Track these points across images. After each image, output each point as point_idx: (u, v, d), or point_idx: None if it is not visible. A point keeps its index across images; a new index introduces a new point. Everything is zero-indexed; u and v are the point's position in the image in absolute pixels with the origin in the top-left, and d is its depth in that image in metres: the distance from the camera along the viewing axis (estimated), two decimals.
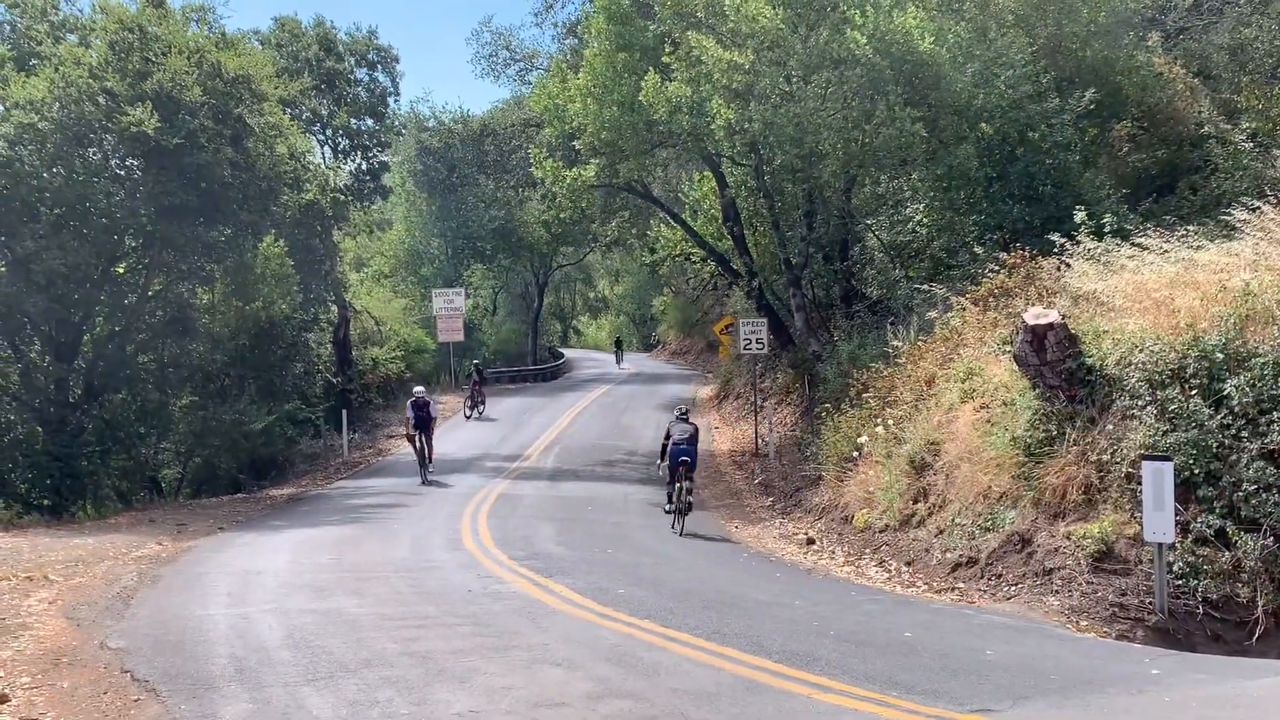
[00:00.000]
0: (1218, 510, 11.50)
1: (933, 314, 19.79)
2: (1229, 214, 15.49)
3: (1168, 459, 11.29)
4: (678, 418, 19.80)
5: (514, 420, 37.24)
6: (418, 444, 25.54)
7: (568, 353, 72.66)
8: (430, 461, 25.65)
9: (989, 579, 13.18)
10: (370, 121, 41.86)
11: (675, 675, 8.70)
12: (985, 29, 23.41)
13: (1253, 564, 11.02)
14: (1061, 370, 13.49)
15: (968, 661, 9.14)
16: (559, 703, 7.94)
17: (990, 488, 14.28)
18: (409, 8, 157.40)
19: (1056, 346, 13.44)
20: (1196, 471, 11.70)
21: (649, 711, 7.70)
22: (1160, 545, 11.07)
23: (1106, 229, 16.58)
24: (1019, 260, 17.89)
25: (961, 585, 13.41)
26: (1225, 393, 11.90)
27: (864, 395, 19.85)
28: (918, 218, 26.39)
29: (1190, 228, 16.02)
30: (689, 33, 24.07)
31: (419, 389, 27.20)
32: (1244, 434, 11.61)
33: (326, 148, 41.10)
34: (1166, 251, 14.72)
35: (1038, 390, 13.94)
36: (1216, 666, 9.40)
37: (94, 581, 13.89)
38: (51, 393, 26.55)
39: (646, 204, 36.17)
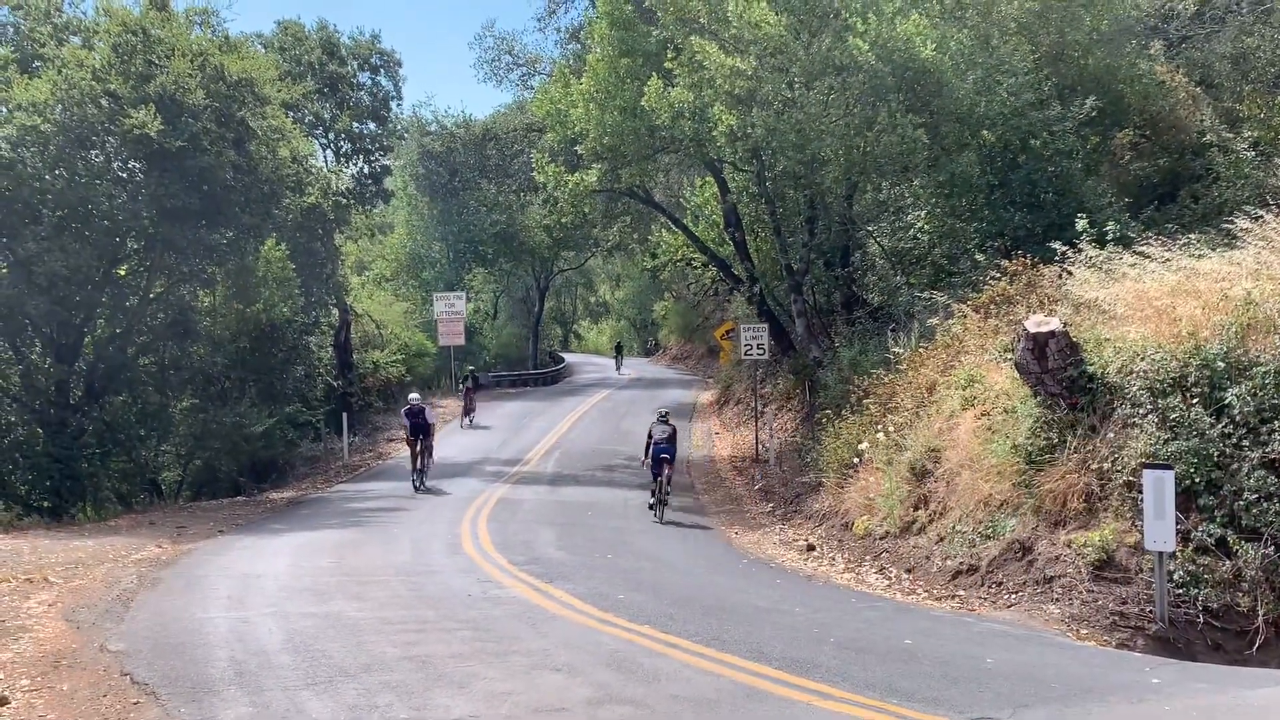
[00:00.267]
0: (1219, 519, 11.49)
1: (934, 321, 19.79)
2: (1231, 222, 15.50)
3: (1169, 467, 11.28)
4: (659, 420, 22.07)
5: (514, 425, 37.24)
6: (416, 449, 24.88)
7: (568, 357, 72.74)
8: (426, 468, 24.99)
9: (989, 586, 13.18)
10: (372, 125, 41.83)
11: (675, 682, 8.69)
12: (988, 36, 23.42)
13: (1253, 573, 11.01)
14: (1063, 378, 13.48)
15: (968, 669, 9.13)
16: (558, 708, 7.94)
17: (991, 495, 14.27)
18: (412, 12, 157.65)
19: (1058, 354, 13.43)
20: (1197, 480, 11.70)
21: (649, 718, 7.70)
22: (1161, 554, 11.06)
23: (1108, 237, 16.59)
24: (1020, 268, 17.89)
25: (962, 593, 13.41)
26: (1226, 402, 11.89)
27: (865, 402, 19.85)
28: (919, 224, 26.39)
29: (1192, 236, 16.01)
30: (692, 38, 24.07)
31: (413, 396, 26.46)
32: (1245, 443, 11.61)
33: (329, 151, 41.10)
34: (1168, 260, 14.72)
35: (1039, 398, 13.94)
36: (1217, 675, 9.40)
37: (94, 584, 13.89)
38: (52, 394, 26.55)
39: (648, 209, 36.19)
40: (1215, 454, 11.73)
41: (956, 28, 23.28)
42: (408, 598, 12.70)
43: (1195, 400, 12.11)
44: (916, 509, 16.12)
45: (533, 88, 44.42)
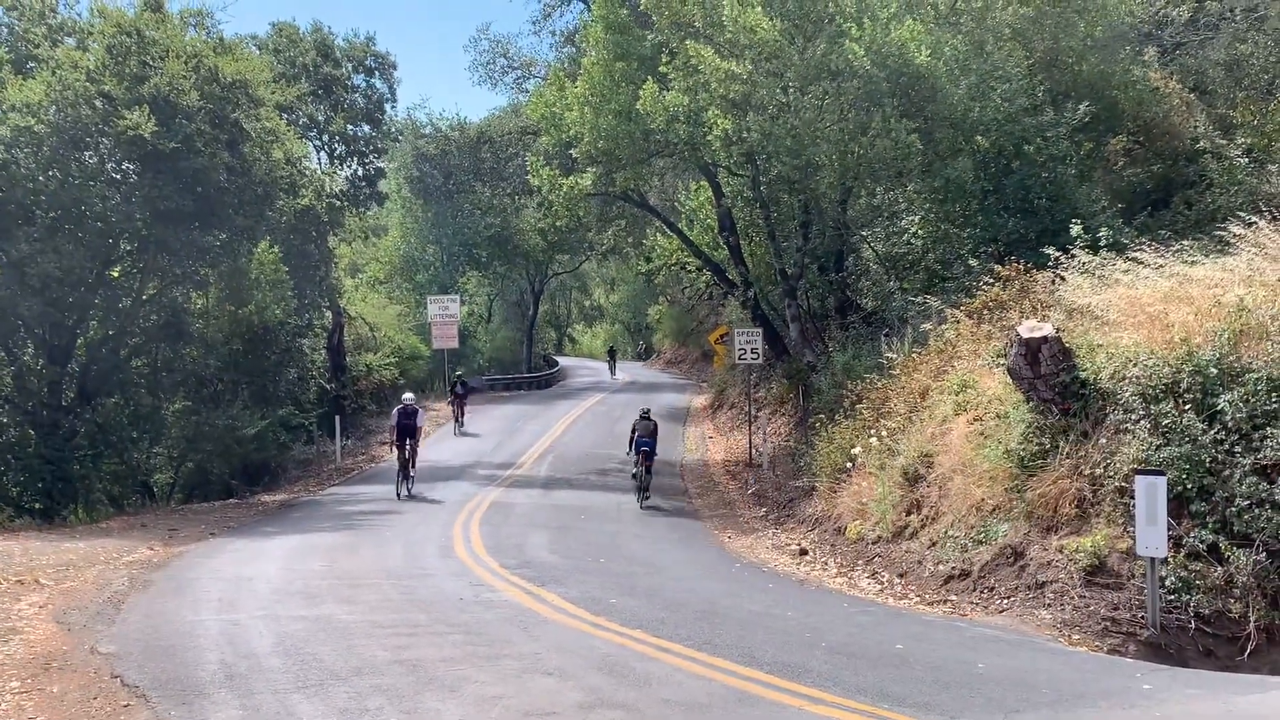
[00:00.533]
0: (1210, 525, 11.50)
1: (927, 326, 19.81)
2: (1224, 229, 15.52)
3: (1161, 473, 11.29)
4: (641, 418, 24.32)
5: (508, 428, 37.21)
6: (403, 453, 23.99)
7: (562, 360, 72.70)
8: (413, 474, 24.15)
9: (981, 592, 13.18)
10: (367, 127, 41.87)
11: (667, 686, 8.68)
12: (982, 42, 23.48)
13: (1245, 579, 11.02)
14: (1055, 384, 13.50)
15: (959, 674, 9.13)
16: (549, 712, 7.92)
17: (983, 500, 14.28)
18: (407, 14, 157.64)
19: (1050, 360, 13.44)
20: (1189, 486, 11.70)
21: None
22: (1153, 560, 11.06)
23: (1101, 243, 16.62)
24: (1014, 273, 17.90)
25: (954, 598, 13.41)
26: (1219, 408, 11.90)
27: (858, 406, 19.86)
28: (913, 230, 26.44)
29: (1185, 242, 16.03)
30: (687, 42, 24.09)
31: (408, 396, 25.97)
32: (1237, 449, 11.62)
33: (323, 153, 41.15)
34: (1161, 266, 14.75)
35: (1031, 403, 13.94)
36: (1208, 681, 9.40)
37: (85, 586, 13.84)
38: (44, 396, 26.50)
39: (643, 213, 36.21)
40: (1207, 460, 11.74)
41: (951, 33, 23.34)
42: (399, 601, 12.67)
43: (1188, 406, 12.13)
44: (909, 514, 16.13)
45: (528, 91, 44.54)
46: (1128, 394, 12.75)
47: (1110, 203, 22.40)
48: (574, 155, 29.22)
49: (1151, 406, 12.39)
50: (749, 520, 22.14)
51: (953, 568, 13.98)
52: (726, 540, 19.89)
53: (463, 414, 36.96)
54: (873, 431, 18.30)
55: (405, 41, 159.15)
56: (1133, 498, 11.44)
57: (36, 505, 25.06)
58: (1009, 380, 14.44)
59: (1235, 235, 14.77)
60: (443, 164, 49.03)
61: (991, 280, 18.37)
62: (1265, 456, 11.39)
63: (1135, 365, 12.91)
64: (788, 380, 30.61)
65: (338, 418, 33.81)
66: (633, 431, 24.01)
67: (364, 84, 42.03)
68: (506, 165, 47.95)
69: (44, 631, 11.12)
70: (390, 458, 27.08)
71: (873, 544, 16.61)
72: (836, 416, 20.90)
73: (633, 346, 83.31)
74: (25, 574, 14.36)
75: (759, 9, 22.89)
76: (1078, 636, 11.35)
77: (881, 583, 14.99)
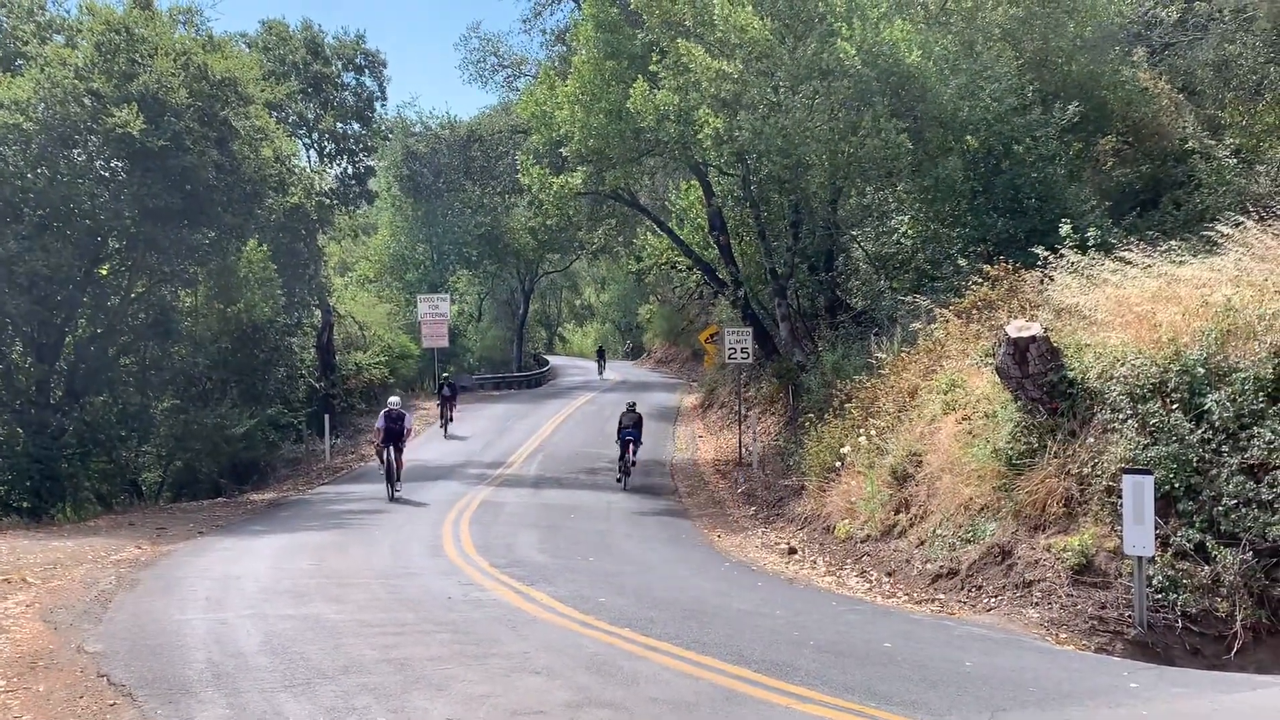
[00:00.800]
0: (1197, 524, 11.52)
1: (916, 325, 19.83)
2: (1212, 229, 15.55)
3: (1148, 473, 11.31)
4: (627, 410, 26.90)
5: (498, 427, 37.19)
6: (386, 457, 23.56)
7: (553, 360, 72.71)
8: (399, 478, 23.74)
9: (969, 590, 13.20)
10: (357, 126, 41.77)
11: (655, 684, 8.68)
12: (972, 42, 23.52)
13: (1232, 578, 11.04)
14: (1043, 383, 13.52)
15: (947, 673, 9.14)
16: (537, 711, 7.92)
17: (971, 499, 14.31)
18: (397, 12, 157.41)
19: (1038, 359, 13.47)
20: (1177, 485, 11.72)
21: None
22: (1140, 559, 11.09)
23: (1090, 243, 16.64)
24: (1002, 273, 17.93)
25: (942, 596, 13.43)
26: (1206, 407, 11.93)
27: (847, 405, 19.89)
28: (903, 229, 26.47)
29: (1173, 242, 16.06)
30: (677, 41, 24.08)
31: (394, 400, 25.38)
32: (1224, 449, 11.64)
33: (312, 151, 41.04)
34: (1149, 266, 14.77)
35: (1019, 403, 13.97)
36: (1195, 680, 9.42)
37: (72, 585, 13.81)
38: (32, 394, 26.42)
39: (633, 212, 36.19)
40: (1194, 459, 11.76)
41: (941, 33, 23.38)
42: (387, 600, 12.66)
43: (1175, 406, 12.15)
44: (897, 513, 16.16)
45: (518, 89, 44.45)
46: (1115, 393, 12.78)
47: (1099, 203, 22.44)
48: (564, 154, 29.20)
49: (1139, 406, 12.42)
50: (738, 519, 22.16)
51: (941, 566, 14.00)
52: (716, 539, 19.91)
53: (451, 416, 36.21)
54: (862, 431, 18.32)
55: (395, 39, 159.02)
56: (1120, 497, 11.47)
57: (24, 504, 24.97)
58: (997, 380, 14.46)
59: (1223, 235, 14.80)
60: (433, 162, 48.98)
61: (980, 280, 18.39)
62: (1252, 456, 11.42)
63: (1123, 365, 12.94)
64: (777, 379, 30.65)
65: (327, 416, 33.79)
66: (619, 423, 26.51)
67: (354, 82, 41.94)
68: (497, 164, 47.89)
69: (31, 630, 11.09)
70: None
71: (861, 543, 16.64)
72: (826, 416, 20.93)
73: (622, 346, 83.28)
74: (12, 572, 14.32)
75: (749, 8, 22.89)
76: (1065, 635, 11.38)
77: (870, 581, 15.01)
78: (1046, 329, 13.91)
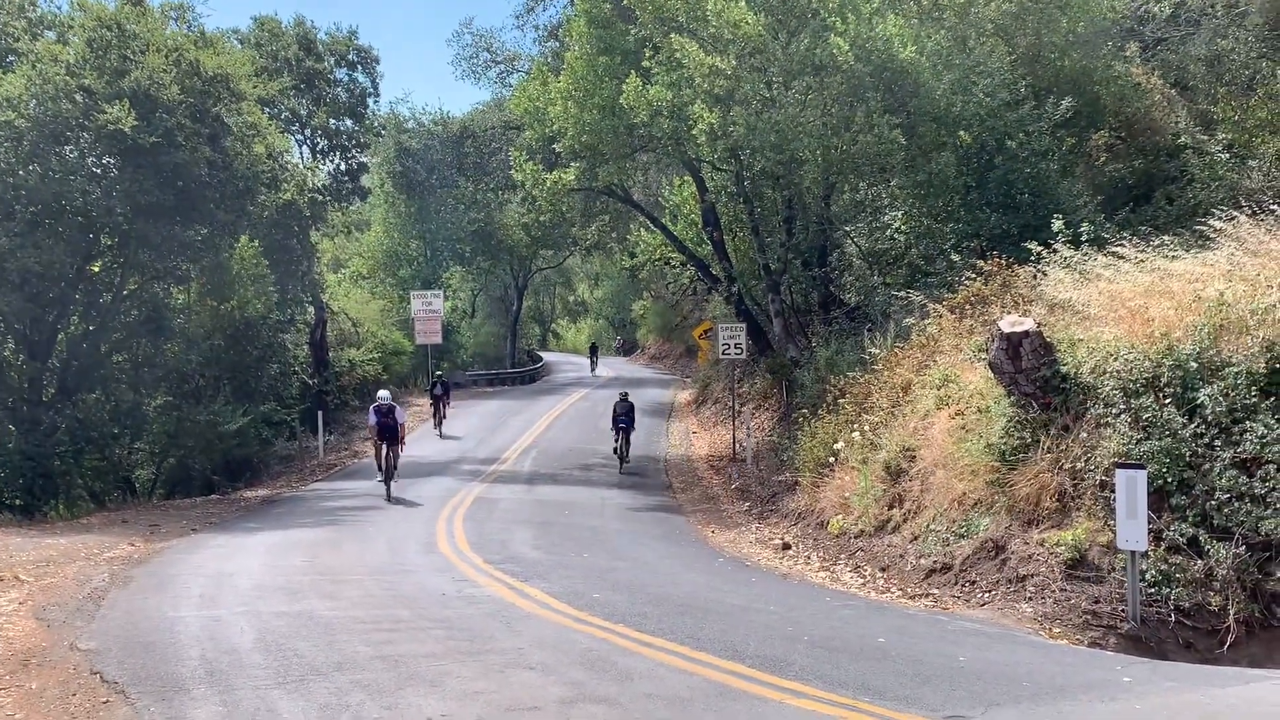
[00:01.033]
0: (1190, 519, 11.55)
1: (910, 321, 19.85)
2: (1204, 224, 15.59)
3: (1141, 467, 11.33)
4: (620, 399, 28.22)
5: (491, 424, 37.14)
6: (383, 454, 22.82)
7: (546, 356, 72.68)
8: (394, 475, 22.95)
9: (963, 585, 13.22)
10: (349, 122, 41.69)
11: (649, 680, 8.68)
12: (964, 38, 23.53)
13: (1225, 572, 11.07)
14: (1036, 378, 13.54)
15: (940, 667, 9.15)
16: (531, 707, 7.92)
17: (965, 494, 14.32)
18: (390, 8, 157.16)
19: (1031, 354, 13.49)
20: (1170, 480, 11.75)
21: (622, 716, 7.69)
22: (1133, 553, 11.11)
23: (1083, 238, 16.68)
24: (996, 268, 17.97)
25: (935, 591, 13.44)
26: (1199, 402, 11.95)
27: (841, 401, 19.90)
28: (896, 225, 26.51)
29: (1166, 237, 16.10)
30: (671, 36, 24.08)
31: (383, 393, 24.24)
32: (1217, 443, 11.67)
33: (305, 148, 40.96)
34: (1142, 261, 14.81)
35: (1013, 398, 13.99)
36: (1188, 674, 9.44)
37: (65, 582, 13.78)
38: (25, 392, 26.36)
39: (626, 208, 36.19)
40: (1187, 454, 11.79)
41: (934, 28, 23.38)
42: (381, 597, 12.64)
43: (1168, 400, 12.18)
44: (891, 508, 16.18)
45: (511, 85, 44.47)
46: (1108, 388, 12.80)
47: (1092, 198, 22.49)
48: (558, 150, 29.20)
49: (1132, 400, 12.45)
50: (732, 515, 22.16)
51: (934, 561, 14.02)
52: (709, 535, 19.91)
53: (444, 415, 35.43)
54: (855, 426, 18.34)
55: (388, 36, 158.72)
56: (1113, 491, 11.49)
57: (17, 501, 24.90)
58: (990, 375, 14.49)
59: (1216, 230, 14.83)
60: (426, 159, 48.89)
61: (973, 275, 18.43)
62: (1245, 450, 11.45)
63: (1116, 359, 12.97)
64: (771, 375, 30.66)
65: (320, 413, 33.74)
66: (614, 412, 28.08)
67: (346, 78, 41.89)
68: (490, 160, 47.83)
69: (23, 628, 11.07)
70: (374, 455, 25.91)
71: (855, 538, 16.65)
72: (819, 411, 20.94)
73: (614, 342, 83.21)
74: (5, 570, 14.29)
75: (742, 4, 22.90)
76: (1058, 629, 11.40)
77: (864, 576, 15.02)
78: (1040, 324, 13.93)
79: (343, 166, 41.60)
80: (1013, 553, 12.87)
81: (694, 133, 23.89)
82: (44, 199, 24.10)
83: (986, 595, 12.70)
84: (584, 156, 28.32)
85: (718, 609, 12.02)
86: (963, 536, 13.88)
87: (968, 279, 18.53)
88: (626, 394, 28.87)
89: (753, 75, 23.01)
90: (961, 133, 22.48)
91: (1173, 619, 11.21)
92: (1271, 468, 11.21)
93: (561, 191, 30.02)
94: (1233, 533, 11.24)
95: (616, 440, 27.93)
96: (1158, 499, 11.67)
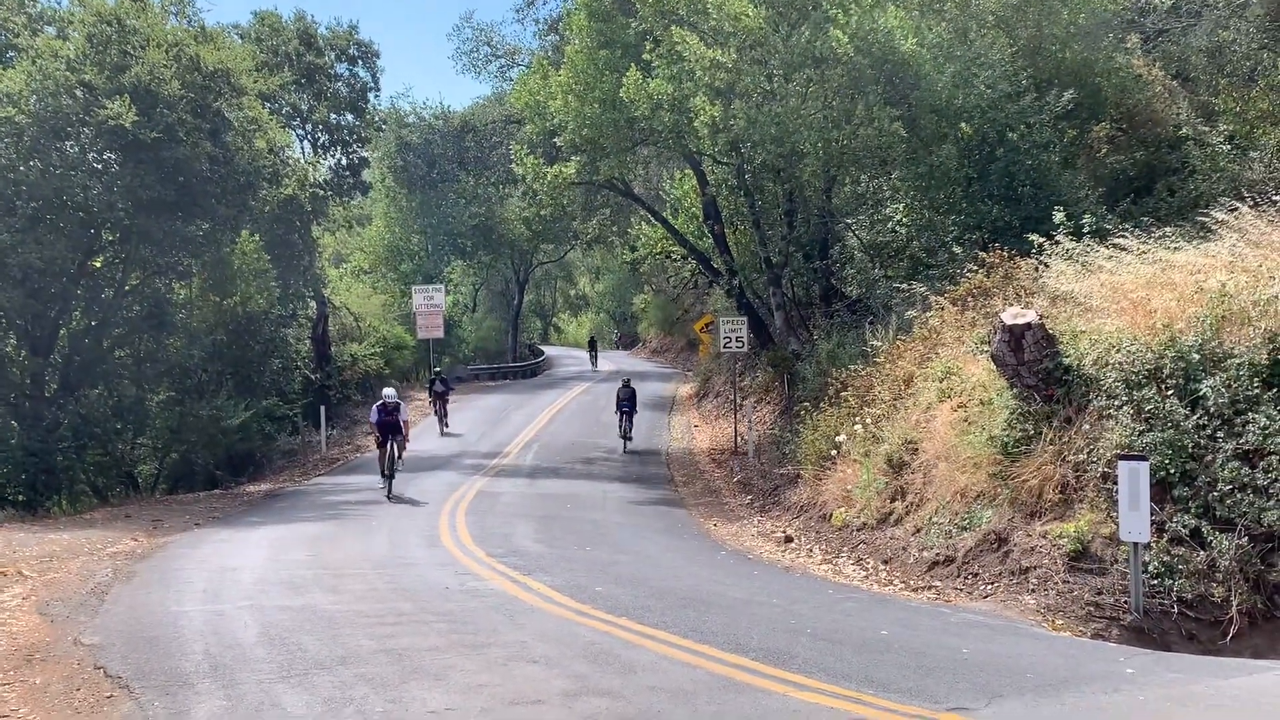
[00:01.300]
0: (1193, 510, 11.54)
1: (911, 313, 19.84)
2: (1206, 215, 15.57)
3: (1144, 459, 11.33)
4: (623, 385, 30.55)
5: (493, 418, 37.16)
6: (386, 451, 22.26)
7: (548, 350, 72.66)
8: (396, 474, 22.47)
9: (965, 577, 13.22)
10: (350, 116, 41.64)
11: (652, 673, 8.68)
12: (965, 30, 23.49)
13: (1227, 564, 11.06)
14: (1039, 370, 13.53)
15: (944, 660, 9.15)
16: (535, 700, 7.92)
17: (967, 487, 14.32)
18: (390, 2, 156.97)
19: (1034, 346, 13.48)
20: (1172, 471, 11.75)
21: (625, 709, 7.69)
22: (1136, 545, 11.10)
23: (1085, 230, 16.64)
24: (997, 260, 17.94)
25: (938, 584, 13.44)
26: (1201, 393, 11.95)
27: (843, 394, 19.88)
28: (897, 217, 26.46)
29: (1167, 229, 16.07)
30: (672, 29, 24.04)
31: (389, 391, 23.73)
32: (1219, 434, 11.66)
33: (306, 142, 40.93)
34: (1144, 252, 14.79)
35: (1015, 390, 13.98)
36: (1191, 665, 9.44)
37: (68, 577, 13.80)
38: (27, 387, 26.39)
39: (627, 202, 36.15)
40: (1190, 445, 11.78)
41: (935, 20, 23.35)
42: (384, 590, 12.65)
43: (1170, 392, 12.17)
44: (893, 500, 16.17)
45: (511, 79, 44.40)
46: (1111, 380, 12.80)
47: (1093, 189, 22.45)
48: (558, 144, 29.17)
49: (1134, 392, 12.44)
50: (734, 508, 22.17)
51: (937, 554, 14.01)
52: (712, 528, 19.92)
53: (446, 413, 34.59)
54: (857, 419, 18.33)
55: (388, 30, 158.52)
56: (1116, 483, 11.48)
57: (20, 497, 24.95)
58: (993, 367, 14.48)
59: (1218, 221, 14.82)
60: (426, 153, 48.88)
61: (975, 267, 18.41)
62: (1247, 441, 11.44)
63: (1118, 351, 12.96)
64: (773, 368, 30.64)
65: (323, 408, 33.76)
66: (617, 397, 30.39)
67: (347, 73, 41.82)
68: (491, 154, 47.83)
69: (27, 623, 11.09)
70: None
71: (857, 531, 16.65)
72: (821, 404, 20.92)
73: (613, 335, 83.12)
74: (8, 565, 14.31)
75: None
76: (1061, 621, 11.40)
77: (866, 569, 15.02)
78: (1042, 316, 13.92)
79: (344, 161, 41.55)
80: (1015, 545, 12.87)
81: (695, 126, 23.86)
82: (45, 194, 24.11)
83: (989, 587, 12.70)
84: (585, 150, 28.28)
85: (720, 602, 12.02)
86: (965, 529, 13.88)
87: (969, 271, 18.51)
88: (629, 380, 31.16)
89: (753, 68, 22.97)
90: (963, 125, 22.44)
91: (1175, 610, 11.21)
92: (1274, 459, 11.21)
93: (562, 185, 29.99)
94: (1235, 524, 11.24)
95: (620, 422, 30.04)
96: (1160, 490, 11.67)
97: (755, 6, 22.90)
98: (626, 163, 29.74)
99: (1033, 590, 12.14)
